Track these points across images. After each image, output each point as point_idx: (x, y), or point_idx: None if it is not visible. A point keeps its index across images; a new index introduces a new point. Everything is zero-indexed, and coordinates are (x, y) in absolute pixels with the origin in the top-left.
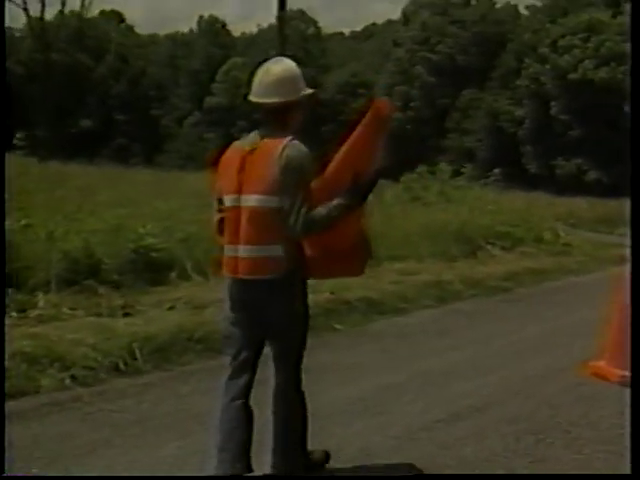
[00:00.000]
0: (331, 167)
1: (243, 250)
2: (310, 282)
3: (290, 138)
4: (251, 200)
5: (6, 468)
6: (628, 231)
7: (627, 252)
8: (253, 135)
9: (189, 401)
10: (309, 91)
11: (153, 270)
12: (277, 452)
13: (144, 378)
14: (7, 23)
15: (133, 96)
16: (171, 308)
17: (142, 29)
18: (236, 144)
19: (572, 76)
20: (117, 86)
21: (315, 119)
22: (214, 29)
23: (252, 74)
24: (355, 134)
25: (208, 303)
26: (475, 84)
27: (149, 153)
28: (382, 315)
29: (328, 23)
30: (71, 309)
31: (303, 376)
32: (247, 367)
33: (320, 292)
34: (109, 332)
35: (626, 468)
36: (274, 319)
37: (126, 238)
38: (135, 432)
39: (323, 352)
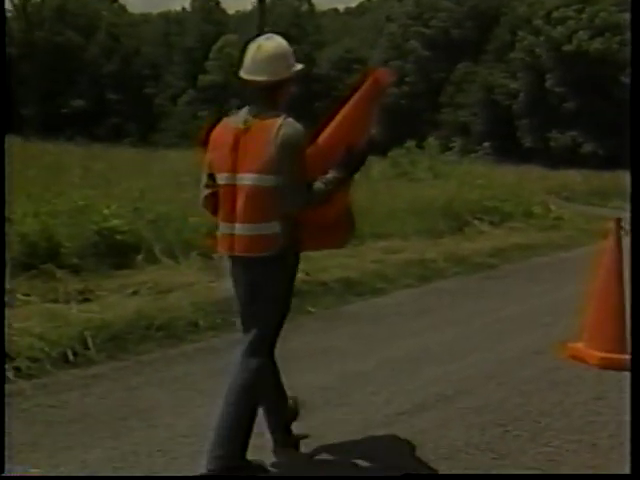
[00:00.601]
0: (325, 135)
1: (239, 228)
2: None
3: (285, 116)
4: (247, 179)
5: (6, 468)
6: (624, 204)
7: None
8: (244, 112)
9: (138, 394)
10: (299, 67)
11: (117, 253)
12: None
13: (94, 369)
14: None
15: (126, 75)
16: (134, 293)
17: (135, 8)
18: (227, 121)
19: (566, 48)
20: (109, 65)
21: (309, 95)
22: (207, 7)
23: (243, 51)
24: (350, 103)
25: (175, 287)
26: (470, 58)
27: (143, 132)
28: (360, 296)
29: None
30: (25, 295)
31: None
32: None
33: None
34: (61, 320)
35: (626, 469)
36: (267, 294)
37: (90, 220)
38: (69, 430)
39: (294, 336)
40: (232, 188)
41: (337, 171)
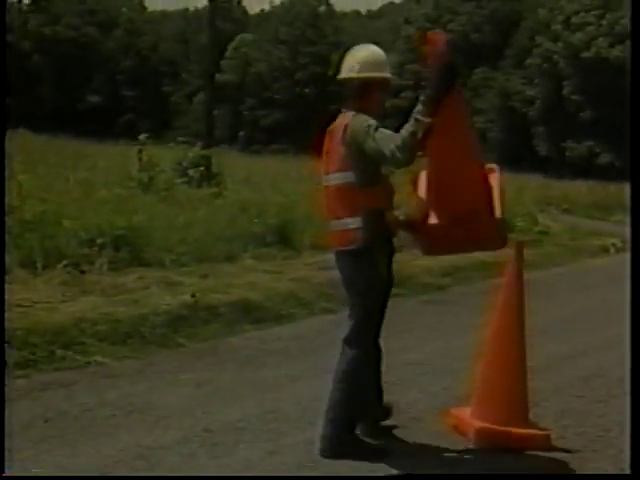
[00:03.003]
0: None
1: (332, 225)
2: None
3: (353, 113)
4: (331, 179)
5: (6, 468)
6: (626, 217)
7: (609, 243)
8: (341, 113)
9: None
10: (381, 75)
11: None
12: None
13: None
14: None
15: (143, 72)
16: None
17: (154, 5)
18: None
19: (585, 54)
20: (126, 61)
21: (324, 96)
22: (227, 5)
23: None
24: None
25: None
26: (488, 63)
27: (158, 129)
28: (257, 324)
29: (345, 2)
30: None
31: None
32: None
33: (179, 294)
34: None
35: (626, 469)
36: (355, 287)
37: None
38: None
39: (133, 382)
40: (326, 189)
41: (424, 94)
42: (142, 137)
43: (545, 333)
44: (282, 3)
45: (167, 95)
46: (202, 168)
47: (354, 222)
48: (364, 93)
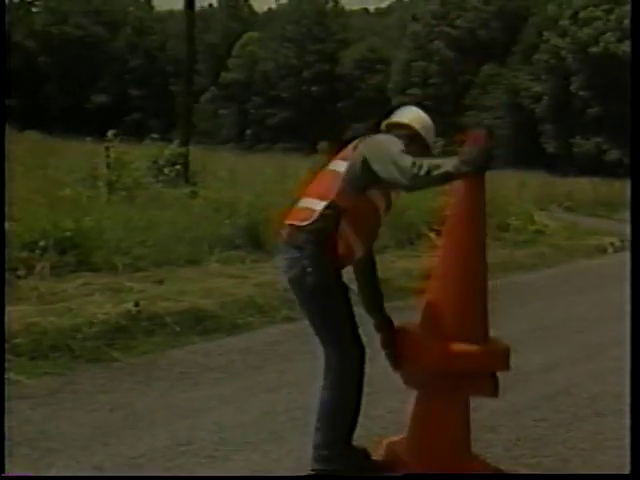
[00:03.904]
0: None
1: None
2: None
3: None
4: (334, 164)
5: (6, 468)
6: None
7: (607, 242)
8: None
9: None
10: (427, 138)
11: None
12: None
13: None
14: None
15: (150, 71)
16: None
17: (161, 4)
18: None
19: (593, 50)
20: (133, 60)
21: (332, 94)
22: (234, 3)
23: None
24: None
25: None
26: (496, 59)
27: (165, 129)
28: (205, 335)
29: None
30: None
31: None
32: None
33: (124, 302)
34: None
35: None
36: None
37: None
38: None
39: (22, 406)
40: (321, 171)
41: (456, 159)
42: (110, 134)
43: (519, 342)
44: (289, 1)
45: (174, 94)
46: (178, 166)
47: (317, 204)
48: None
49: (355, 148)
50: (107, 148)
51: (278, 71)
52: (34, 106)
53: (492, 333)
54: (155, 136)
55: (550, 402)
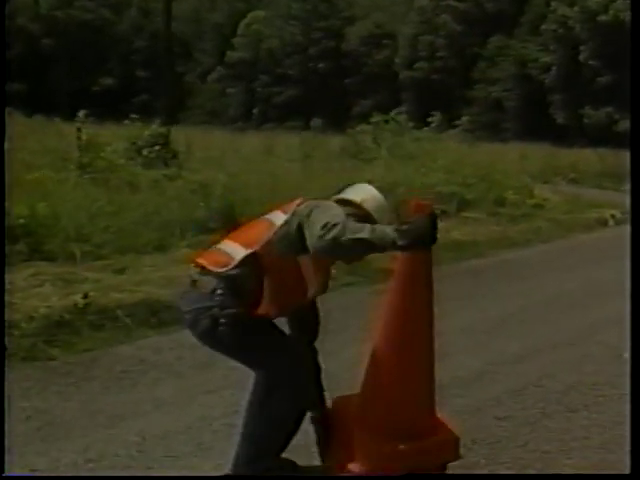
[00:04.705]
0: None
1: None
2: None
3: None
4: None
5: (6, 468)
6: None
7: (608, 215)
8: None
9: None
10: (383, 221)
11: None
12: None
13: None
14: None
15: (156, 53)
16: None
17: None
18: None
19: (602, 18)
20: (139, 42)
21: (338, 71)
22: None
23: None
24: None
25: None
26: (504, 31)
27: (172, 109)
28: (160, 328)
29: None
30: None
31: None
32: None
33: (75, 293)
34: None
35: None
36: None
37: None
38: None
39: None
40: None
41: (393, 227)
42: (81, 114)
43: (498, 327)
44: None
45: (180, 75)
46: (158, 147)
47: (238, 252)
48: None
49: (299, 205)
50: (78, 129)
51: (284, 49)
52: (41, 90)
53: (471, 316)
54: (135, 116)
55: (518, 397)
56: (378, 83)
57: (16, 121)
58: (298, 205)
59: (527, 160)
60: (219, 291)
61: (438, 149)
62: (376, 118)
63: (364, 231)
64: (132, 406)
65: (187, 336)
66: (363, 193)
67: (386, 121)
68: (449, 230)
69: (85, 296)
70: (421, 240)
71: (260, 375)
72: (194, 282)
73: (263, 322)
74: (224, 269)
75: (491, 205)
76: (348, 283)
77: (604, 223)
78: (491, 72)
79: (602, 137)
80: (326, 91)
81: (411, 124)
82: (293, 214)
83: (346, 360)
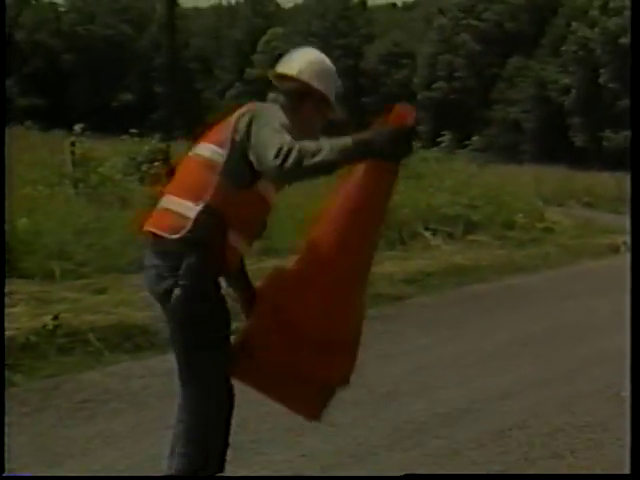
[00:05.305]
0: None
1: (163, 202)
2: None
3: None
4: (199, 148)
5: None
6: None
7: (620, 241)
8: None
9: None
10: (335, 104)
11: None
12: None
13: None
14: None
15: (175, 69)
16: None
17: (187, 2)
18: None
19: (623, 40)
20: (159, 58)
21: (356, 90)
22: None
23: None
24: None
25: None
26: (523, 52)
27: (189, 126)
28: (135, 353)
29: None
30: None
31: None
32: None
33: (48, 314)
34: None
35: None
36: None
37: None
38: None
39: None
40: (187, 158)
41: (352, 140)
42: (77, 127)
43: (488, 360)
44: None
45: (199, 91)
46: (157, 163)
47: (190, 209)
48: (297, 103)
49: (236, 126)
50: (72, 144)
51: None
52: (61, 105)
53: (461, 347)
54: (134, 131)
55: (499, 439)
56: (396, 102)
57: (22, 135)
58: (235, 126)
59: (541, 182)
60: (180, 254)
61: (446, 169)
62: None
63: (322, 151)
64: (83, 441)
65: (160, 362)
66: (298, 62)
67: None
68: (452, 253)
69: (55, 317)
70: (388, 150)
71: (189, 378)
72: (151, 244)
73: (227, 317)
74: (177, 235)
75: (499, 228)
76: None
77: (615, 250)
78: (510, 93)
79: (621, 161)
80: (344, 109)
81: (419, 144)
82: (232, 143)
83: None
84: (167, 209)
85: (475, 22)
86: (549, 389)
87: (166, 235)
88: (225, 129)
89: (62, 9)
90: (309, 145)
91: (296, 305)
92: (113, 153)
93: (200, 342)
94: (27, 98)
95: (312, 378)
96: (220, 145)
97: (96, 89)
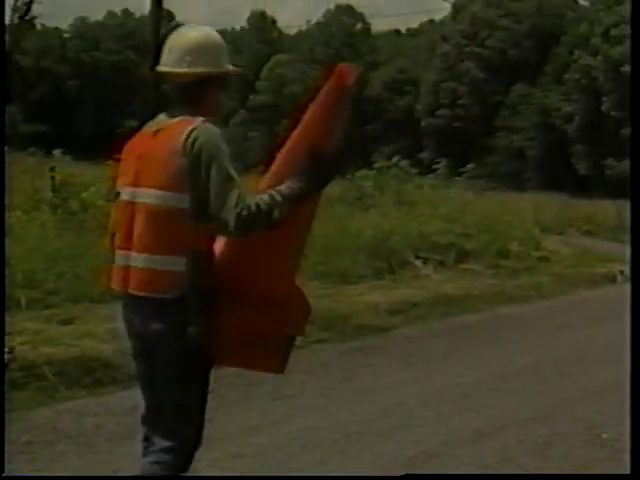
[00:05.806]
0: (286, 147)
1: (135, 259)
2: None
3: (201, 120)
4: (148, 196)
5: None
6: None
7: (617, 270)
8: (162, 116)
9: None
10: (230, 67)
11: None
12: None
13: None
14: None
15: None
16: None
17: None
18: (144, 127)
19: (625, 69)
20: (164, 84)
21: (360, 116)
22: (263, 25)
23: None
24: (315, 103)
25: None
26: (527, 79)
27: None
28: (96, 389)
29: (387, 20)
30: None
31: None
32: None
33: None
34: None
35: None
36: (163, 353)
37: None
38: None
39: None
40: (131, 206)
41: (295, 180)
42: (57, 152)
43: (467, 397)
44: (318, 23)
45: None
46: None
47: (173, 263)
48: (198, 93)
49: (189, 136)
50: (52, 169)
51: (306, 93)
52: (65, 131)
53: (440, 382)
54: (118, 156)
55: None
56: (399, 129)
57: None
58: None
59: (541, 210)
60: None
61: (441, 197)
62: (379, 164)
63: (275, 209)
64: None
65: (118, 399)
66: (179, 53)
67: (389, 167)
68: (442, 282)
69: (10, 350)
70: (320, 184)
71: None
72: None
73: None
74: (177, 292)
75: (493, 257)
76: (320, 340)
77: (612, 279)
78: (513, 120)
79: (623, 189)
80: (347, 136)
81: (415, 170)
82: (191, 181)
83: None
84: (144, 268)
85: (478, 49)
86: (525, 430)
87: (160, 296)
88: (167, 168)
89: (67, 35)
90: (261, 200)
91: (236, 268)
92: (100, 179)
93: (194, 375)
94: (31, 124)
95: (267, 334)
96: (172, 189)
97: (101, 115)
